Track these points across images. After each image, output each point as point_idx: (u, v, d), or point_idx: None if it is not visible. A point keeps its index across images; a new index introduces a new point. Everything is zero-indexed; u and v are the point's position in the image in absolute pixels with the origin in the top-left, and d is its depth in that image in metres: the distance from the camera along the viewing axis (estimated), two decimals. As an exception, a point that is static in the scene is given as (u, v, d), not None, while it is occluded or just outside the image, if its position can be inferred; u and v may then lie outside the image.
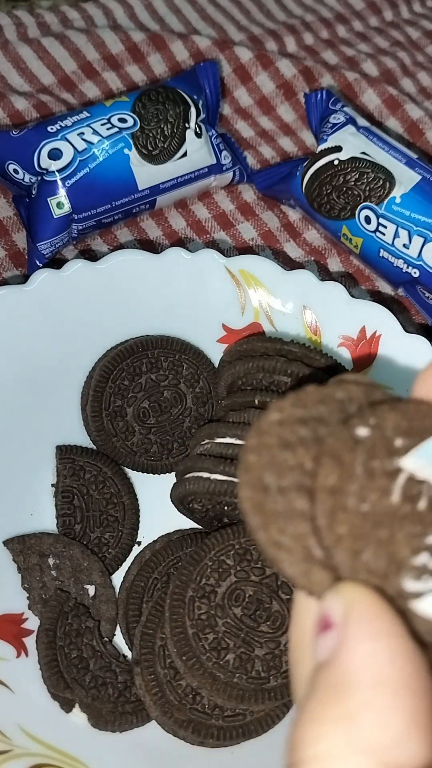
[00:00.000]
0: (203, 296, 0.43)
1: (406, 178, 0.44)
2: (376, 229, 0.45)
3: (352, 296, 0.42)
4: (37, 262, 0.45)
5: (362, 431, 0.20)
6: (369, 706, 0.17)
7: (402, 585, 0.18)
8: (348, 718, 0.17)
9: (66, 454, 0.42)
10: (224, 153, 0.48)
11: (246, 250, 0.49)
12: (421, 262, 0.44)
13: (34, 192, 0.44)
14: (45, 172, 0.44)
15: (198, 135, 0.47)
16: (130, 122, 0.45)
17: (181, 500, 0.39)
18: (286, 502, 0.19)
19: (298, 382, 0.37)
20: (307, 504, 0.19)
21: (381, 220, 0.44)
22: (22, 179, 0.45)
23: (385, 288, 0.49)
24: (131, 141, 0.45)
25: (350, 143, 0.46)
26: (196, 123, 0.47)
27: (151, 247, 0.48)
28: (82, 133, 0.44)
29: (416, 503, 0.19)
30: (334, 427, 0.20)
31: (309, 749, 0.17)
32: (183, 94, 0.47)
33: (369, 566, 0.18)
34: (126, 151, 0.45)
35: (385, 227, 0.44)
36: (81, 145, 0.44)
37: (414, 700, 0.17)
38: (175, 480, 0.40)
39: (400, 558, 0.19)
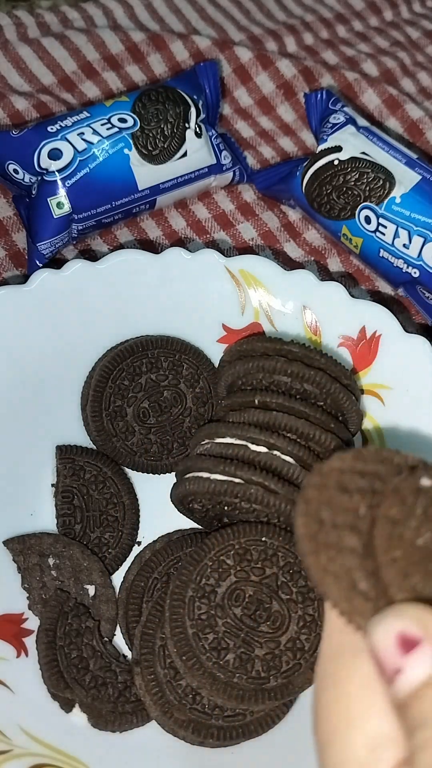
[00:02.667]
0: (203, 296, 0.43)
1: (406, 178, 0.44)
2: (376, 229, 0.45)
3: (352, 296, 0.42)
4: (37, 262, 0.45)
5: (426, 482, 0.23)
6: None
7: None
8: None
9: (66, 454, 0.42)
10: (224, 153, 0.48)
11: (246, 250, 0.49)
12: (421, 262, 0.44)
13: (34, 192, 0.44)
14: (45, 172, 0.44)
15: (198, 135, 0.47)
16: (130, 122, 0.45)
17: (181, 500, 0.39)
18: (338, 536, 0.22)
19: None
20: (357, 542, 0.22)
21: (381, 220, 0.44)
22: (22, 179, 0.45)
23: (385, 288, 0.49)
24: (131, 141, 0.45)
25: (350, 143, 0.46)
26: (196, 123, 0.47)
27: (151, 247, 0.48)
28: (82, 133, 0.44)
29: None
30: (402, 473, 0.23)
31: None
32: (183, 94, 0.47)
33: (416, 588, 0.21)
34: (126, 151, 0.45)
35: (385, 227, 0.44)
36: (81, 145, 0.44)
37: None
38: (175, 480, 0.40)
39: None
